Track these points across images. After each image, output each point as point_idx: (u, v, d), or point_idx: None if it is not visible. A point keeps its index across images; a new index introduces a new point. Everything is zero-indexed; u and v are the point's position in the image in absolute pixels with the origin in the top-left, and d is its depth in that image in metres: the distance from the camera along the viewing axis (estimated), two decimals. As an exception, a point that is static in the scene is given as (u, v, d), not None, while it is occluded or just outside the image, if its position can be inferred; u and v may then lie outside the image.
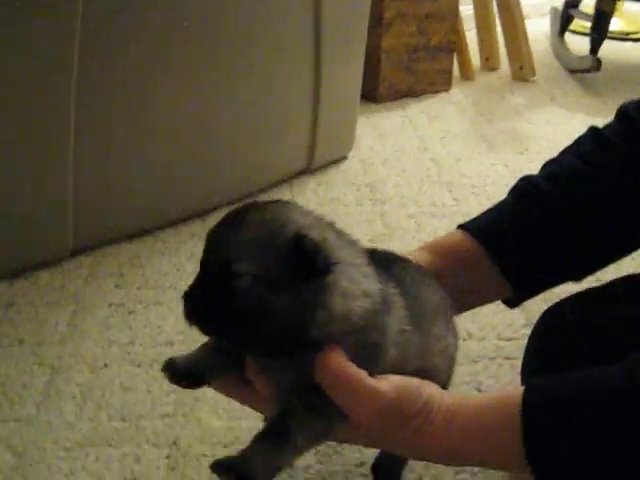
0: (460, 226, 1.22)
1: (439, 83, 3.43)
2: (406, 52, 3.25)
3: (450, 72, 3.44)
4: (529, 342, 1.30)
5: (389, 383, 0.81)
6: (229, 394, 0.91)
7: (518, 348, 1.24)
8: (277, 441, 0.79)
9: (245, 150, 2.05)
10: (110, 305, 1.76)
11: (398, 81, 3.28)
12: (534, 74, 3.62)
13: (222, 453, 1.30)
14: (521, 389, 0.88)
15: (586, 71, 3.51)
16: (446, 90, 3.40)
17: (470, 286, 1.18)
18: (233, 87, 1.94)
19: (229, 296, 0.77)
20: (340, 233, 0.85)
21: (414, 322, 0.87)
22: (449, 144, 2.59)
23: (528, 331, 1.27)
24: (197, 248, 2.01)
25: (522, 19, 3.58)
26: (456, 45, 3.47)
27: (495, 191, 2.25)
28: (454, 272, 1.15)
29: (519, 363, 1.30)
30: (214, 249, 0.80)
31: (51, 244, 1.87)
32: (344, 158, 2.48)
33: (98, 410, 1.43)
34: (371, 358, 0.81)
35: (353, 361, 0.79)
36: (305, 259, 0.76)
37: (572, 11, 4.08)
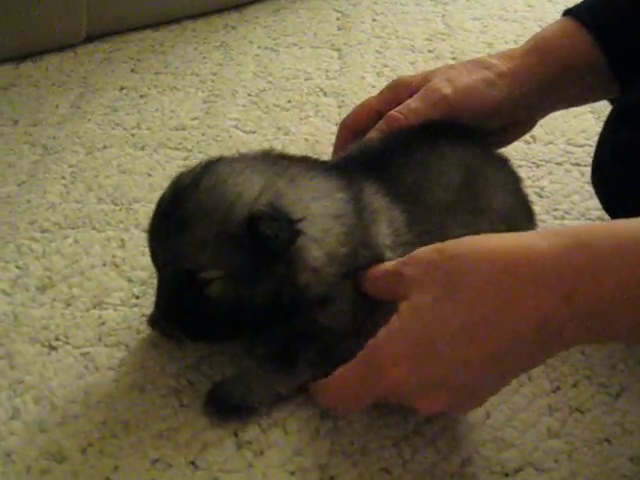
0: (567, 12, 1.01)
1: None
2: None
3: None
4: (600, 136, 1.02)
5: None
6: None
7: (590, 155, 1.01)
8: (281, 366, 0.81)
9: None
10: (122, 89, 1.54)
11: None
12: None
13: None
14: None
15: None
16: None
17: (570, 93, 1.02)
18: None
19: (203, 303, 0.78)
20: (287, 168, 0.81)
21: (416, 219, 0.83)
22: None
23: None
24: (228, 37, 1.75)
25: None
26: None
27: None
28: (554, 77, 0.99)
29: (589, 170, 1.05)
30: (167, 256, 0.79)
31: (63, 26, 1.63)
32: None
33: (87, 192, 1.22)
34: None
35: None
36: (266, 242, 0.74)
37: None
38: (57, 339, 0.97)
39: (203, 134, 1.38)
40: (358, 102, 1.11)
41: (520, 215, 0.95)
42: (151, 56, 1.67)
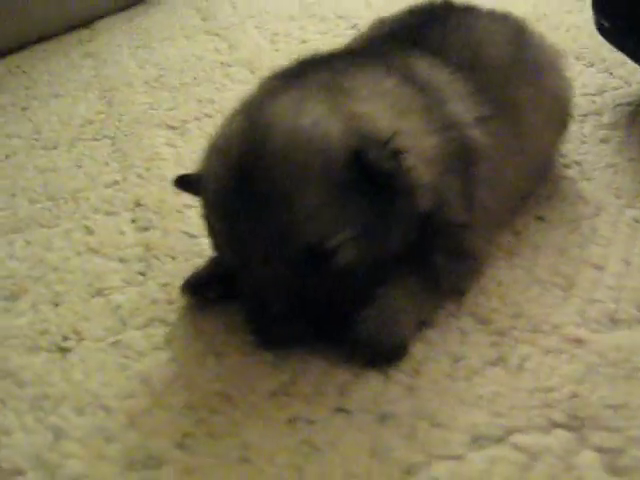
0: None
1: None
2: None
3: None
4: None
5: None
6: None
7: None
8: (423, 290, 0.66)
9: None
10: None
11: None
12: None
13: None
14: None
15: None
16: None
17: None
18: None
19: (331, 279, 0.62)
20: (334, 80, 0.68)
21: (480, 85, 0.73)
22: None
23: None
24: (90, 48, 1.57)
25: None
26: None
27: None
28: None
29: None
30: (269, 239, 0.61)
31: None
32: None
33: (11, 198, 0.96)
34: (467, 160, 0.69)
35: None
36: (381, 174, 0.61)
37: None
38: (66, 339, 0.72)
39: (119, 120, 1.16)
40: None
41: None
42: (11, 78, 1.44)
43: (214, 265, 0.74)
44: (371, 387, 0.62)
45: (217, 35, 1.55)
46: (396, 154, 0.62)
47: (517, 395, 0.60)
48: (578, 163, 0.90)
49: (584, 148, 0.92)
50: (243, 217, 0.61)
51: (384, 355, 0.63)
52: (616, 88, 1.05)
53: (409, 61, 0.72)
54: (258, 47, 1.45)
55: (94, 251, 0.85)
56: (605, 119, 0.98)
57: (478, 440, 0.57)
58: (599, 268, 0.72)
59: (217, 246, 0.66)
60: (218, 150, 0.64)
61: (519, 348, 0.65)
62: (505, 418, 0.58)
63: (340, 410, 0.60)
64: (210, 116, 1.16)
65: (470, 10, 0.82)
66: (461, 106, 0.71)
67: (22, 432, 0.62)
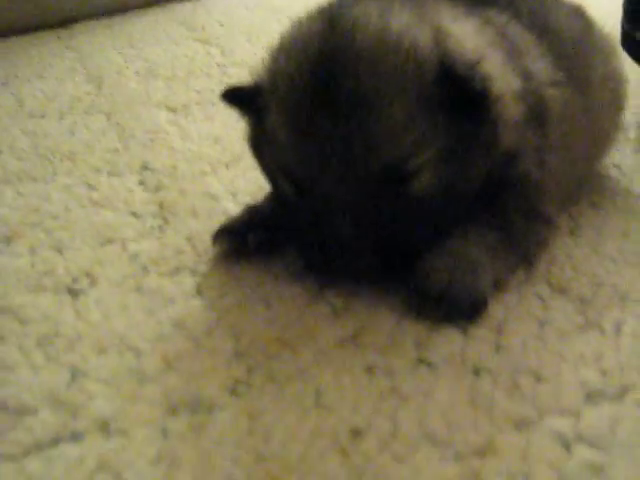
0: None
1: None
2: None
3: None
4: None
5: None
6: None
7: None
8: (499, 246, 0.58)
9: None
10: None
11: None
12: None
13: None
14: None
15: None
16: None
17: None
18: None
19: (406, 208, 0.54)
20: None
21: (556, 52, 0.67)
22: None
23: None
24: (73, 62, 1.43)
25: None
26: None
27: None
28: None
29: None
30: (348, 154, 0.52)
31: None
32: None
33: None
34: (541, 119, 0.62)
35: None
36: (474, 94, 0.54)
37: None
38: (75, 281, 0.61)
39: (112, 100, 1.06)
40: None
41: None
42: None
43: (251, 213, 0.65)
44: (451, 341, 0.53)
45: (207, 43, 1.48)
46: (485, 78, 0.55)
47: (623, 356, 0.52)
48: (617, 165, 0.85)
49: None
50: (321, 123, 0.52)
51: (462, 310, 0.54)
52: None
53: (486, 11, 0.65)
54: (254, 55, 1.38)
55: (100, 205, 0.74)
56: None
57: (592, 397, 0.48)
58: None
59: (281, 164, 0.56)
60: (291, 52, 0.56)
61: (609, 314, 0.57)
62: (617, 377, 0.50)
63: (422, 361, 0.51)
64: (213, 103, 1.07)
65: None
66: (539, 64, 0.65)
67: (29, 369, 0.51)
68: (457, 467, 0.43)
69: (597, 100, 0.71)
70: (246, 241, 0.62)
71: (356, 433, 0.45)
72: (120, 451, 0.44)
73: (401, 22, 0.55)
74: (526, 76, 0.62)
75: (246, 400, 0.48)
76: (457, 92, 0.54)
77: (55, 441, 0.45)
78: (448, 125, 0.54)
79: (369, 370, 0.50)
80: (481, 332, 0.55)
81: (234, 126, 0.95)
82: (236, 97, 0.60)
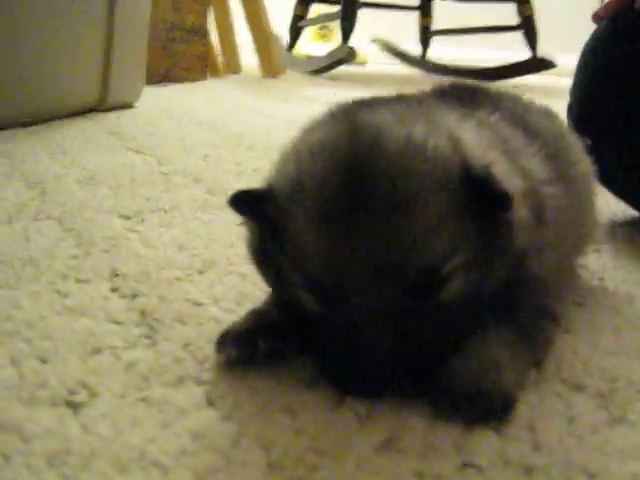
0: None
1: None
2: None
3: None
4: None
5: None
6: None
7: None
8: (517, 342, 0.58)
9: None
10: None
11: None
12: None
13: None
14: None
15: (343, 60, 3.42)
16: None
17: None
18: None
19: (437, 316, 0.54)
20: (430, 110, 0.62)
21: (543, 149, 0.69)
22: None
23: None
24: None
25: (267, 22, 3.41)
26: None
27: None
28: None
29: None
30: (380, 260, 0.52)
31: None
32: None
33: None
34: (539, 218, 0.62)
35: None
36: (499, 202, 0.54)
37: (301, 23, 4.04)
38: (73, 393, 0.56)
39: (62, 205, 1.02)
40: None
41: None
42: None
43: (257, 318, 0.62)
44: (489, 442, 0.51)
45: (142, 152, 1.47)
46: (501, 180, 0.56)
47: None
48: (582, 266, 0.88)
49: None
50: (356, 227, 0.51)
51: (494, 410, 0.53)
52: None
53: (477, 113, 0.68)
54: (195, 164, 1.37)
55: (76, 312, 0.70)
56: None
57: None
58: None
59: (305, 275, 0.54)
60: (316, 155, 0.55)
61: (633, 406, 0.57)
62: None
63: (467, 465, 0.49)
64: (166, 210, 1.05)
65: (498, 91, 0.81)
66: (533, 163, 0.67)
67: (46, 492, 0.45)
68: None
69: (580, 196, 0.74)
70: (255, 348, 0.59)
71: None
72: None
73: (421, 129, 0.56)
74: (524, 175, 0.64)
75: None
76: (479, 196, 0.54)
77: None
78: (475, 229, 0.54)
79: (418, 475, 0.47)
80: (515, 431, 0.53)
81: (196, 233, 0.93)
82: (244, 202, 0.58)
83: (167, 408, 0.54)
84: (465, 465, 0.49)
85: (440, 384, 0.54)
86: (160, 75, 2.89)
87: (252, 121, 1.99)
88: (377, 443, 0.51)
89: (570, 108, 1.05)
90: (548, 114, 0.80)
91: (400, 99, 0.65)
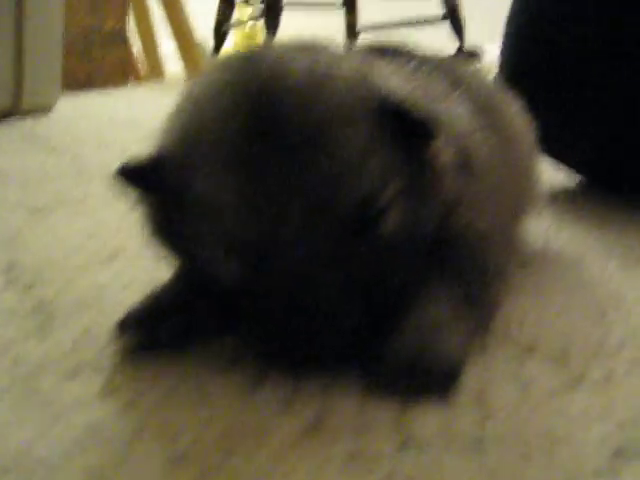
0: None
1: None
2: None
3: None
4: None
5: None
6: None
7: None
8: (461, 304, 0.51)
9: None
10: None
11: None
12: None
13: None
14: None
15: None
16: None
17: None
18: None
19: (378, 255, 0.47)
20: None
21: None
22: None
23: None
24: None
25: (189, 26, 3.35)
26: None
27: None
28: None
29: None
30: (313, 197, 0.44)
31: None
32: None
33: None
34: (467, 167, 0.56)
35: None
36: (424, 133, 0.48)
37: (226, 27, 3.97)
38: None
39: None
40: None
41: None
42: None
43: (157, 300, 0.54)
44: (433, 415, 0.45)
45: (55, 151, 1.38)
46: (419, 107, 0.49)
47: (629, 404, 0.45)
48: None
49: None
50: (271, 170, 0.44)
51: (435, 379, 0.46)
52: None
53: (397, 59, 0.62)
54: (111, 159, 1.28)
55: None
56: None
57: (621, 454, 0.41)
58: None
59: (218, 241, 0.47)
60: (210, 103, 0.47)
61: (590, 368, 0.51)
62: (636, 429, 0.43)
63: (409, 440, 0.42)
64: (76, 202, 0.97)
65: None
66: (458, 111, 0.61)
67: None
68: None
69: (517, 154, 0.68)
70: (156, 333, 0.51)
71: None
72: None
73: (328, 58, 0.50)
74: (447, 121, 0.58)
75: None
76: (401, 125, 0.47)
77: None
78: (401, 159, 0.47)
79: (353, 457, 0.40)
80: (462, 401, 0.46)
81: (107, 222, 0.85)
82: (134, 176, 0.50)
83: (59, 401, 0.46)
84: (406, 443, 0.42)
85: (374, 353, 0.47)
86: (81, 81, 2.78)
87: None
88: (303, 426, 0.43)
89: (502, 68, 1.00)
90: (481, 72, 0.74)
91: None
